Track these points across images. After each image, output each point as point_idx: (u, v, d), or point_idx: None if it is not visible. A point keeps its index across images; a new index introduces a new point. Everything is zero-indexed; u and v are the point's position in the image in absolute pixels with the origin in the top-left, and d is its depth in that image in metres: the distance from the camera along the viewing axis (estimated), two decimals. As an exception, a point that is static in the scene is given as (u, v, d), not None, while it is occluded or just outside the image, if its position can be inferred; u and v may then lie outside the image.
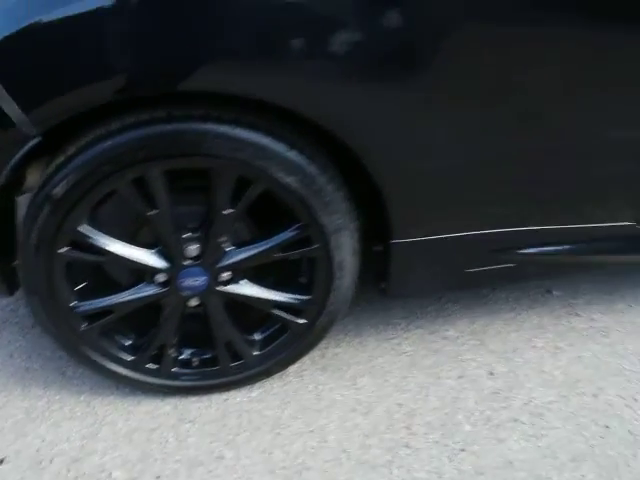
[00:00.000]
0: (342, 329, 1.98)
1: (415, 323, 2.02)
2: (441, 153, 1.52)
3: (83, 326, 1.62)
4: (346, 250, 1.60)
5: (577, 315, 2.06)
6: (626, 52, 1.48)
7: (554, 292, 2.13)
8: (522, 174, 1.61)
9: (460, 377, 1.85)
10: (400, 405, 1.77)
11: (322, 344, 1.85)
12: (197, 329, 1.71)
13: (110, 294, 1.61)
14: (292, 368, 1.84)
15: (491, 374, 1.86)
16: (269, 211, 1.58)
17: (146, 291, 1.61)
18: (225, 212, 1.51)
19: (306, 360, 1.86)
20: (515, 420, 1.74)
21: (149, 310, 1.66)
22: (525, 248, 1.75)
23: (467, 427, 1.72)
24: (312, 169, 1.49)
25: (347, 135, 1.44)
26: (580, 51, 1.45)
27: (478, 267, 1.75)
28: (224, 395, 1.79)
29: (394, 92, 1.42)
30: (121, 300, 1.61)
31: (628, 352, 1.93)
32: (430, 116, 1.46)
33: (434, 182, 1.56)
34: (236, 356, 1.74)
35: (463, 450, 1.66)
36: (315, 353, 1.88)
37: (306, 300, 1.67)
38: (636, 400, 1.79)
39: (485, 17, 1.39)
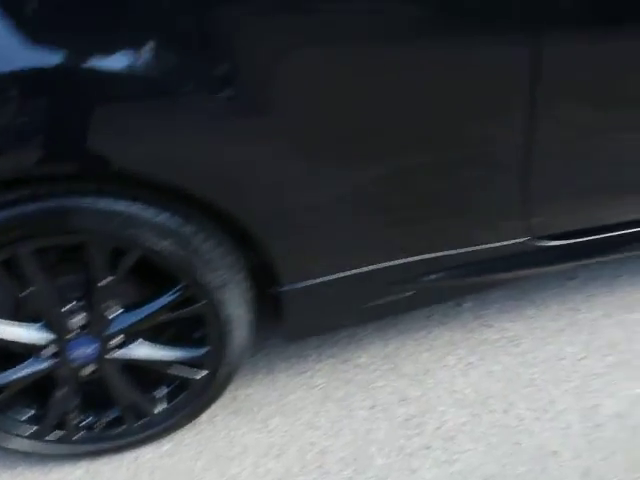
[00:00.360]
0: (253, 367, 1.96)
1: (327, 352, 2.01)
2: (304, 197, 1.49)
3: (-25, 407, 1.59)
4: (234, 302, 1.58)
5: (489, 326, 2.06)
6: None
7: (464, 304, 2.12)
8: (398, 205, 1.60)
9: (372, 407, 1.85)
10: (313, 444, 1.77)
11: (233, 386, 1.83)
12: (98, 392, 1.68)
13: (-1, 372, 1.58)
14: (204, 415, 1.81)
15: (403, 400, 1.86)
16: (155, 269, 1.55)
17: (35, 366, 1.57)
18: (102, 283, 1.48)
19: (218, 405, 1.83)
20: (427, 447, 1.74)
21: (47, 379, 1.62)
22: (423, 276, 1.74)
23: (380, 460, 1.72)
24: (186, 230, 1.46)
25: (206, 195, 1.41)
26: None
27: (377, 300, 1.74)
28: (135, 453, 1.77)
29: (236, 141, 1.38)
30: (10, 379, 1.57)
31: (538, 360, 1.94)
32: (285, 161, 1.43)
33: (307, 226, 1.54)
34: (141, 415, 1.71)
35: (376, 485, 1.67)
36: (227, 396, 1.85)
37: (203, 354, 1.65)
38: (546, 411, 1.81)
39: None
